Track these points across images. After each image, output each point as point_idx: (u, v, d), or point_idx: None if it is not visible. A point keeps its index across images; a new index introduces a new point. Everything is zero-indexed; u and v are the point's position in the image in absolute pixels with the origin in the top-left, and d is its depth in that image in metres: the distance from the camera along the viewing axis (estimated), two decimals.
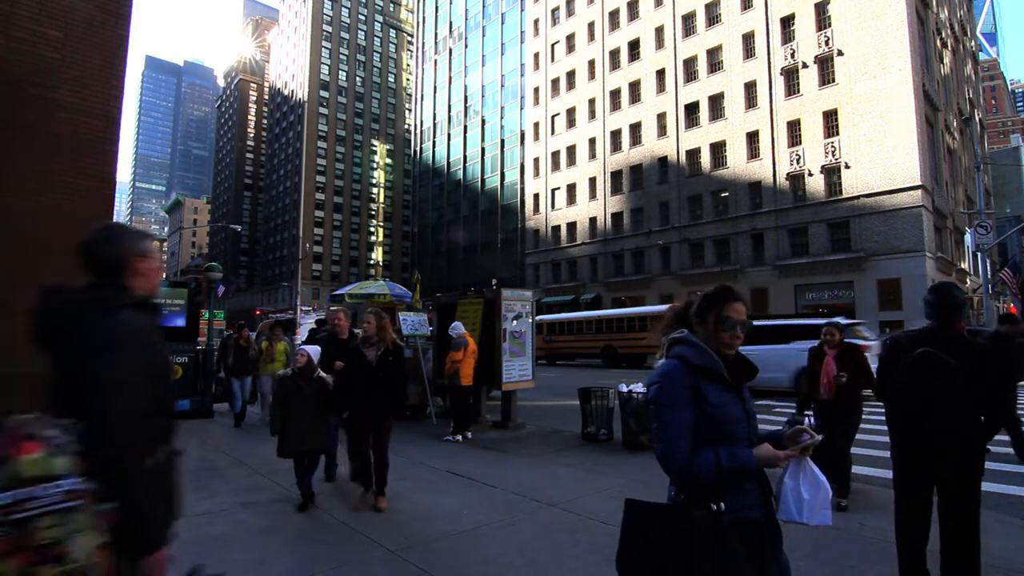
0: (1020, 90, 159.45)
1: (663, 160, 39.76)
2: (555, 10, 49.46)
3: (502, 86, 59.23)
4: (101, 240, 1.61)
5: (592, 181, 44.89)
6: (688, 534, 1.53)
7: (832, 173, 31.35)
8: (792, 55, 33.09)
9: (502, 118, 59.16)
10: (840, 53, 31.15)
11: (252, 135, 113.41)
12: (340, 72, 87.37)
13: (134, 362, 1.49)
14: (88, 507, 1.29)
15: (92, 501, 1.30)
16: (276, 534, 3.97)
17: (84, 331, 1.47)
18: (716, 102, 37.01)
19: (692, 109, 38.26)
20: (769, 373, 11.72)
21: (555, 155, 48.12)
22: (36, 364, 1.50)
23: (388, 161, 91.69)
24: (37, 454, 1.30)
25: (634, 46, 42.42)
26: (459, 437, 7.58)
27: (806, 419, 4.92)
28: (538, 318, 20.70)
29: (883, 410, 3.21)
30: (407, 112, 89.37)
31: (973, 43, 54.38)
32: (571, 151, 46.77)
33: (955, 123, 37.97)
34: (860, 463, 6.41)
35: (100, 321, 1.48)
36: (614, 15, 44.14)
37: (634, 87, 42.15)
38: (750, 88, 35.17)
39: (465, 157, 64.22)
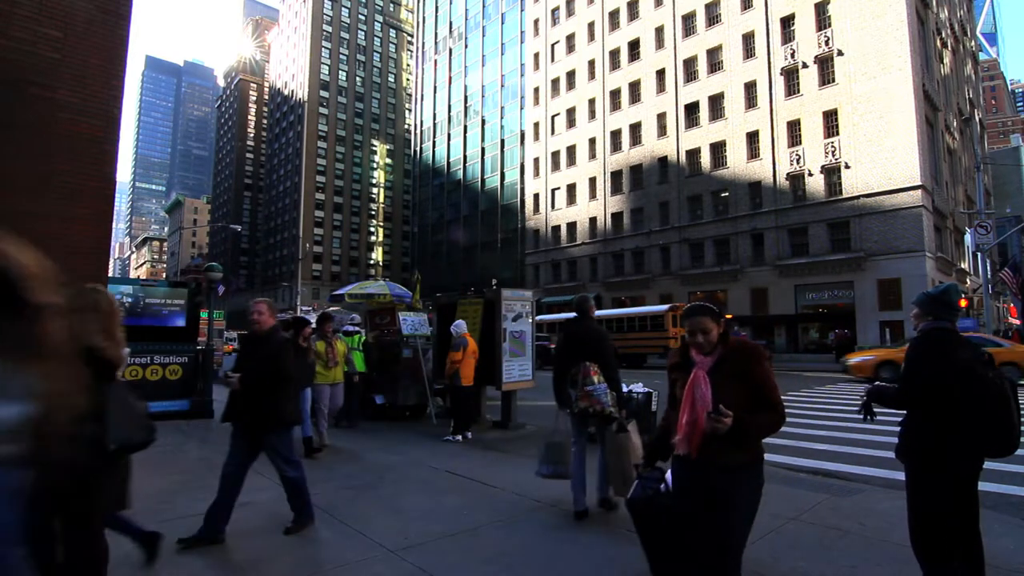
0: (1020, 90, 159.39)
1: (663, 160, 39.75)
2: (555, 10, 49.43)
3: (502, 86, 59.22)
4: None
5: (592, 181, 44.88)
6: None
7: (832, 173, 31.35)
8: (792, 55, 33.08)
9: (502, 118, 59.15)
10: (840, 53, 31.14)
11: (252, 135, 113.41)
12: (340, 72, 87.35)
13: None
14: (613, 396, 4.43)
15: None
16: (276, 534, 3.97)
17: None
18: (716, 102, 37.00)
19: (692, 109, 38.24)
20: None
21: (555, 155, 48.10)
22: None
23: (388, 161, 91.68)
24: (598, 375, 4.41)
25: (634, 46, 42.41)
26: (459, 437, 7.58)
27: (661, 481, 2.64)
28: (538, 318, 20.72)
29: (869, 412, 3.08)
30: (407, 112, 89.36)
31: (973, 43, 54.35)
32: (571, 151, 46.76)
33: (955, 123, 37.94)
34: (859, 463, 6.40)
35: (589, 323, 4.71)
36: (614, 15, 44.13)
37: (634, 87, 42.14)
38: (750, 88, 35.16)
39: (465, 157, 64.22)
